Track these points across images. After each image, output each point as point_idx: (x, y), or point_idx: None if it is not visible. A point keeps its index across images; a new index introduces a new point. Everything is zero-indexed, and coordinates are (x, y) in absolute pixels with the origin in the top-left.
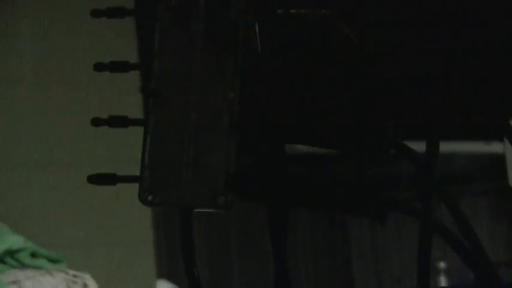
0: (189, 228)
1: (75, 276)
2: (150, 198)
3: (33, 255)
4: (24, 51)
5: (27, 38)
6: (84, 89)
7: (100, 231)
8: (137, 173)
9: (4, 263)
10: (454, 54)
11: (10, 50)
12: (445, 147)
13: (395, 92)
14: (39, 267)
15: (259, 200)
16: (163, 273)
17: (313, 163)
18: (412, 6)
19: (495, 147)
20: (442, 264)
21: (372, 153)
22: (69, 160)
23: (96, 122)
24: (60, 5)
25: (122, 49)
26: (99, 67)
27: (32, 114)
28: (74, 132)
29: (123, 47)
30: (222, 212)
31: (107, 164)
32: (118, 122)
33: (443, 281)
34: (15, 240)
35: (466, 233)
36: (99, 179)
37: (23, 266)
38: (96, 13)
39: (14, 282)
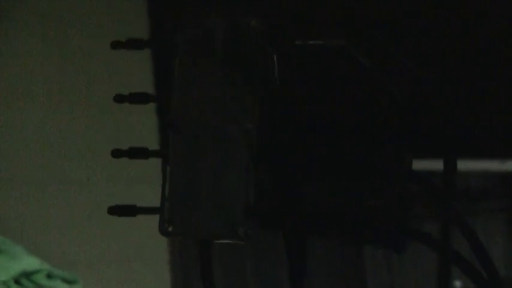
0: (209, 259)
1: None
2: (170, 229)
3: (49, 276)
4: (36, 71)
5: (39, 58)
6: (96, 110)
7: (114, 251)
8: (146, 187)
9: (21, 284)
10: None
11: (21, 70)
12: (461, 165)
13: (411, 118)
14: None
15: (278, 228)
16: None
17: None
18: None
19: (510, 165)
20: (457, 284)
21: (389, 186)
22: (83, 178)
23: (117, 153)
24: (74, 28)
25: (137, 74)
26: (119, 98)
27: (45, 134)
28: (87, 151)
29: (139, 72)
30: (242, 243)
31: (120, 182)
32: (138, 153)
33: None
34: (30, 262)
35: (483, 260)
36: (119, 211)
37: (39, 287)
38: (116, 45)
39: None
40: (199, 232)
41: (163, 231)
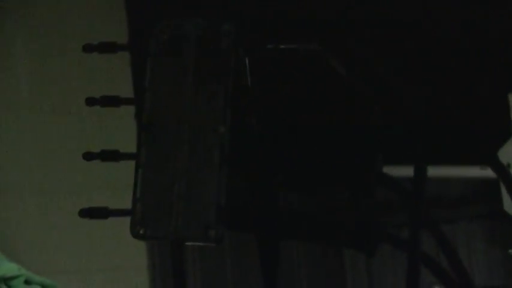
0: (181, 260)
1: None
2: (141, 231)
3: (27, 282)
4: (21, 78)
5: (24, 65)
6: (80, 116)
7: (94, 257)
8: (130, 195)
9: None
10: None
11: (7, 77)
12: (441, 171)
13: (384, 123)
14: None
15: (249, 232)
16: None
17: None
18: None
19: (490, 171)
20: None
21: (360, 187)
22: (64, 187)
23: (88, 156)
24: (57, 34)
25: (117, 77)
26: (90, 101)
27: (28, 140)
28: (69, 159)
29: (119, 75)
30: (212, 245)
31: (103, 191)
32: (110, 156)
33: None
34: (9, 268)
35: (452, 260)
36: (90, 213)
37: None
38: (88, 48)
39: None
40: (171, 234)
41: (134, 234)
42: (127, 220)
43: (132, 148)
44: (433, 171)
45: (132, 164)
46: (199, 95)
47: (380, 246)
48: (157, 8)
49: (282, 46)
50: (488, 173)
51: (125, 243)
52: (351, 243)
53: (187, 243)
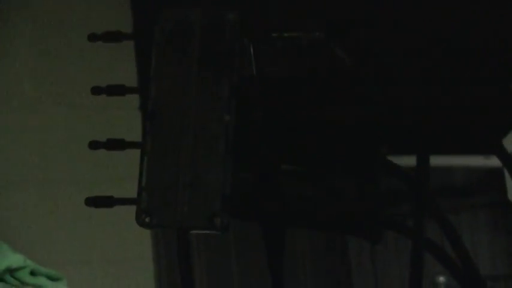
0: (186, 249)
1: None
2: (147, 220)
3: (33, 273)
4: (21, 69)
5: (26, 57)
6: (83, 107)
7: (99, 248)
8: (134, 186)
9: (4, 281)
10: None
11: (8, 68)
12: (445, 161)
13: (387, 110)
14: (40, 286)
15: (254, 220)
16: None
17: (308, 178)
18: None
19: (494, 161)
20: (441, 279)
21: (365, 175)
22: (68, 178)
23: (94, 145)
24: (59, 25)
25: (121, 67)
26: (96, 90)
27: (31, 131)
28: (73, 150)
29: (122, 65)
30: (218, 233)
31: (107, 182)
32: (116, 144)
33: None
34: (15, 259)
35: (457, 248)
36: (96, 202)
37: (23, 284)
38: (92, 37)
39: None
40: (176, 223)
41: (140, 222)
42: (132, 211)
43: (134, 139)
44: (437, 161)
45: (136, 154)
46: (204, 84)
47: (384, 235)
48: None
49: (286, 34)
50: (493, 162)
51: (130, 235)
52: (355, 231)
53: (192, 232)
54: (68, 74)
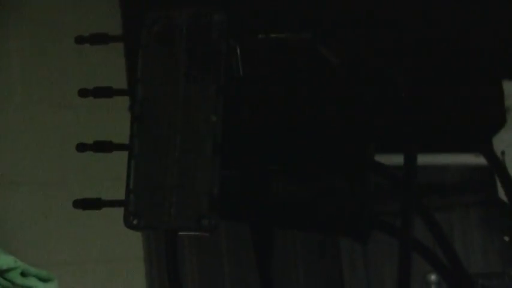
0: (174, 250)
1: None
2: (135, 222)
3: (24, 274)
4: (13, 70)
5: (16, 57)
6: (73, 108)
7: (90, 249)
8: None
9: None
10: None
11: None
12: (436, 159)
13: (375, 110)
14: (30, 287)
15: (242, 220)
16: None
17: (297, 178)
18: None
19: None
20: (433, 277)
21: (352, 174)
22: (59, 179)
23: (81, 147)
24: (49, 26)
25: (110, 69)
26: (83, 93)
27: (21, 132)
28: (64, 151)
29: (112, 67)
30: (206, 235)
31: (97, 183)
32: (103, 147)
33: None
34: (5, 260)
35: (444, 247)
36: (84, 204)
37: (14, 285)
38: (80, 40)
39: None
40: (164, 224)
41: (128, 224)
42: (122, 211)
43: (124, 141)
44: (428, 159)
45: (124, 155)
46: (191, 85)
47: (374, 235)
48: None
49: (273, 35)
50: (484, 160)
51: (121, 235)
52: (344, 232)
53: (180, 233)
54: (59, 76)
